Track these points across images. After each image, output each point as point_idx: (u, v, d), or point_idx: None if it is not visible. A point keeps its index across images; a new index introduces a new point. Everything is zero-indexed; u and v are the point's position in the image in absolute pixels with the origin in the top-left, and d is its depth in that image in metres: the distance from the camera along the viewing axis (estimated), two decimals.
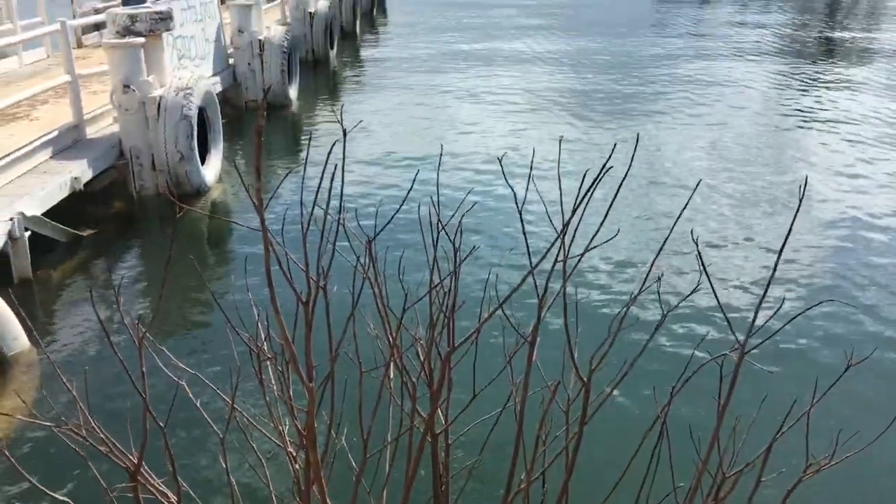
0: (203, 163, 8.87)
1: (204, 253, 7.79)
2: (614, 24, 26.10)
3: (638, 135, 2.84)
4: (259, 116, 1.60)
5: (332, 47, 18.35)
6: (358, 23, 23.26)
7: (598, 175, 1.82)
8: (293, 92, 13.70)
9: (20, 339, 5.23)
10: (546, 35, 22.86)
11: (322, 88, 15.97)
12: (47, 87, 8.15)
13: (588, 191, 1.88)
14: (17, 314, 5.27)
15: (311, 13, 17.30)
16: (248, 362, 2.36)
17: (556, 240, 2.00)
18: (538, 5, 31.56)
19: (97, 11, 14.45)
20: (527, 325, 2.34)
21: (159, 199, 8.56)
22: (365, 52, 20.54)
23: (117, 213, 8.46)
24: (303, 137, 12.42)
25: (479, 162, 10.04)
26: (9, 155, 7.12)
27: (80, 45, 13.44)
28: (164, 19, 8.58)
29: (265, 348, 2.35)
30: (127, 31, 8.29)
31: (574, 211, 1.95)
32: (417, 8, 31.32)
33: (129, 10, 8.61)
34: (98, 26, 13.83)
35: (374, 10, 28.08)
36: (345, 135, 2.13)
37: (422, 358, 2.24)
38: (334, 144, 1.90)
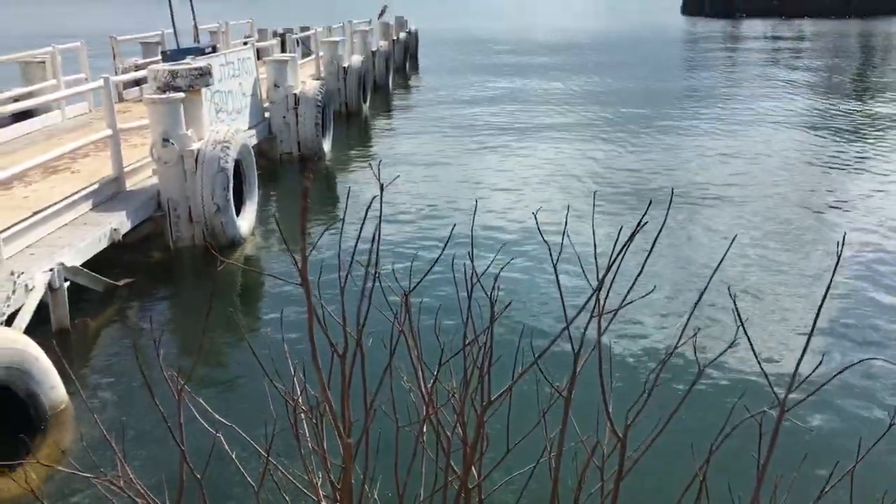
0: (238, 214, 9.01)
1: (238, 304, 7.87)
2: (642, 66, 26.34)
3: (672, 190, 2.85)
4: (305, 178, 1.63)
5: (364, 101, 18.69)
6: (391, 77, 23.68)
7: (634, 231, 1.83)
8: (326, 144, 13.93)
9: (58, 389, 5.29)
10: (577, 81, 23.09)
11: (355, 141, 16.22)
12: (90, 140, 8.38)
13: (623, 248, 1.89)
14: (56, 364, 5.34)
15: (344, 68, 17.67)
16: (283, 415, 2.37)
17: (590, 297, 2.00)
18: (567, 50, 31.95)
19: (138, 67, 14.92)
20: (561, 379, 2.33)
21: (195, 251, 8.69)
22: (397, 106, 20.88)
23: (154, 264, 8.60)
24: (337, 188, 12.58)
25: (513, 216, 10.06)
26: (51, 206, 7.29)
27: (121, 99, 13.84)
28: (204, 75, 8.82)
29: (300, 401, 2.37)
30: (168, 87, 8.52)
31: (609, 268, 1.95)
32: (449, 62, 31.86)
33: (170, 66, 8.87)
34: (138, 81, 14.24)
35: (407, 65, 28.58)
36: (382, 189, 2.17)
37: (456, 413, 2.23)
38: (373, 200, 1.93)
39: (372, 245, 1.99)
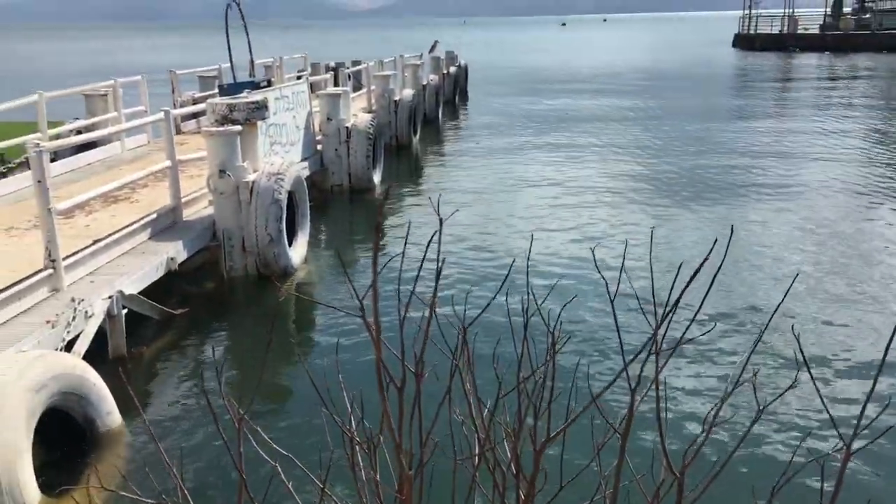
0: (290, 245, 9.14)
1: (292, 333, 7.95)
2: (696, 106, 26.17)
3: (732, 227, 2.80)
4: (378, 213, 1.66)
5: (415, 134, 18.89)
6: (441, 110, 23.91)
7: (695, 271, 1.82)
8: (377, 177, 14.09)
9: (114, 415, 5.40)
10: (629, 119, 23.04)
11: (405, 173, 16.38)
12: (151, 171, 8.60)
13: (683, 287, 1.88)
14: (112, 390, 5.46)
15: (396, 101, 17.91)
16: (339, 445, 2.38)
17: (649, 339, 1.99)
18: (619, 90, 31.94)
19: (195, 100, 15.32)
20: (616, 414, 2.31)
21: (248, 280, 8.83)
22: (447, 139, 21.05)
23: (207, 292, 8.75)
24: (386, 220, 12.69)
25: (569, 249, 10.00)
26: (111, 235, 7.50)
27: (178, 131, 14.19)
28: (260, 108, 9.02)
29: (355, 432, 2.38)
30: (225, 120, 8.74)
31: (666, 315, 1.94)
32: (498, 96, 32.07)
33: (227, 100, 9.10)
34: (195, 114, 14.63)
35: (457, 98, 28.85)
36: (441, 223, 2.19)
37: (512, 449, 2.23)
38: (434, 236, 1.96)
39: (437, 279, 2.01)
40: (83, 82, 14.04)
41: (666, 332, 2.08)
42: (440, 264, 2.04)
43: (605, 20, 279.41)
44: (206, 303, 8.45)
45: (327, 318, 8.02)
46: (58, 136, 11.61)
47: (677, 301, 1.97)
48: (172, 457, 2.33)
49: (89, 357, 5.80)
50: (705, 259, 1.86)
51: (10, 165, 10.27)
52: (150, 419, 5.73)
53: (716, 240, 1.89)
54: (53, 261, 6.31)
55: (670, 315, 2.00)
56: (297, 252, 9.40)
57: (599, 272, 2.14)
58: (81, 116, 13.29)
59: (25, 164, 10.68)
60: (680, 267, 1.98)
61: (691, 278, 1.81)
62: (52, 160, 9.09)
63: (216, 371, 5.88)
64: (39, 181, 6.21)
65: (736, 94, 32.66)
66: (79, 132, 12.19)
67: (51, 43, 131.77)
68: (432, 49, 28.46)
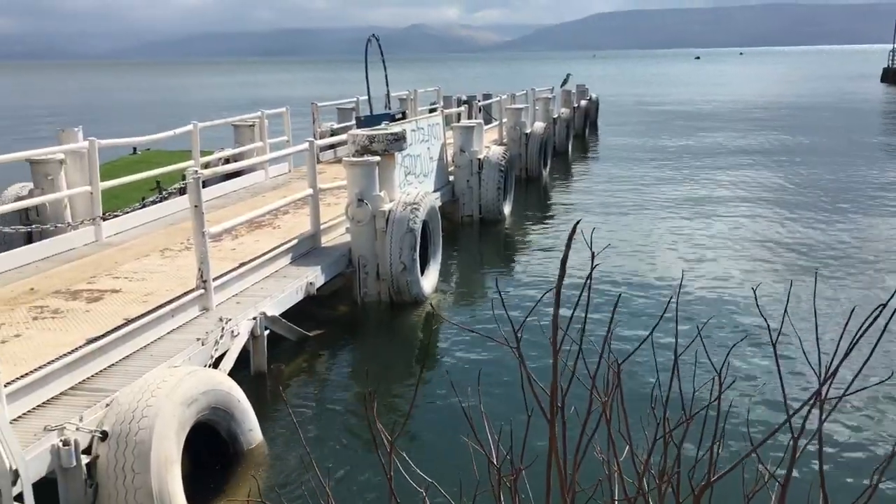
0: (422, 273, 9.30)
1: (423, 359, 8.06)
2: (842, 135, 24.94)
3: None
4: (560, 271, 1.68)
5: (545, 166, 18.89)
6: (571, 143, 23.83)
7: (870, 320, 1.73)
8: (507, 208, 14.17)
9: (255, 431, 5.62)
10: (773, 156, 22.21)
11: (534, 205, 16.37)
12: (295, 199, 8.97)
13: (855, 338, 1.79)
14: (254, 406, 5.69)
15: (526, 134, 17.99)
16: (484, 474, 2.39)
17: (814, 393, 1.90)
18: (756, 126, 30.89)
19: (333, 132, 15.92)
20: (775, 462, 2.22)
21: (380, 306, 9.04)
22: (576, 172, 20.92)
23: (341, 317, 9.01)
24: (516, 251, 12.70)
25: (721, 288, 9.69)
26: (255, 259, 7.86)
27: (317, 161, 14.75)
28: (398, 140, 9.28)
29: (501, 464, 2.39)
30: (365, 151, 9.03)
31: (833, 370, 1.85)
32: (629, 128, 31.66)
33: (368, 131, 9.40)
34: (333, 144, 15.20)
35: (587, 132, 28.69)
36: (593, 257, 2.18)
37: (663, 491, 2.17)
38: (592, 271, 1.95)
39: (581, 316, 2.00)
40: (229, 113, 14.87)
41: (831, 383, 1.99)
42: (589, 299, 2.03)
43: (741, 53, 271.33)
44: (340, 327, 8.69)
45: (463, 346, 8.06)
46: (208, 164, 12.32)
47: (847, 353, 1.88)
48: (311, 476, 2.40)
49: (233, 374, 6.07)
50: (881, 307, 1.77)
51: (170, 191, 10.96)
52: (289, 438, 5.92)
53: (895, 293, 1.79)
54: (205, 281, 6.67)
55: (837, 368, 1.92)
56: (429, 281, 9.55)
57: (762, 314, 2.07)
58: (228, 145, 14.06)
59: (178, 190, 11.39)
60: (852, 313, 1.89)
61: (862, 330, 1.72)
62: (203, 186, 9.64)
63: (367, 397, 6.00)
64: (196, 206, 6.60)
65: (886, 133, 30.93)
66: (227, 161, 12.91)
67: (203, 77, 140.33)
68: (564, 82, 28.46)
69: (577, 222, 1.78)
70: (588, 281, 1.99)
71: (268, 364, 7.10)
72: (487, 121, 20.47)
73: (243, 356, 6.77)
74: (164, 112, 46.77)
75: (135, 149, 20.01)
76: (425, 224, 9.40)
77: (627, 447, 2.25)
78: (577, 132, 26.42)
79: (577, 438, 2.25)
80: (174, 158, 14.14)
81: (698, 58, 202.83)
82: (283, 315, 7.53)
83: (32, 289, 7.21)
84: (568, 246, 1.79)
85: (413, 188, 10.50)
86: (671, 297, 7.91)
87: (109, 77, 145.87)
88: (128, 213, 10.05)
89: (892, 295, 1.73)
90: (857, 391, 2.01)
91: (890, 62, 62.21)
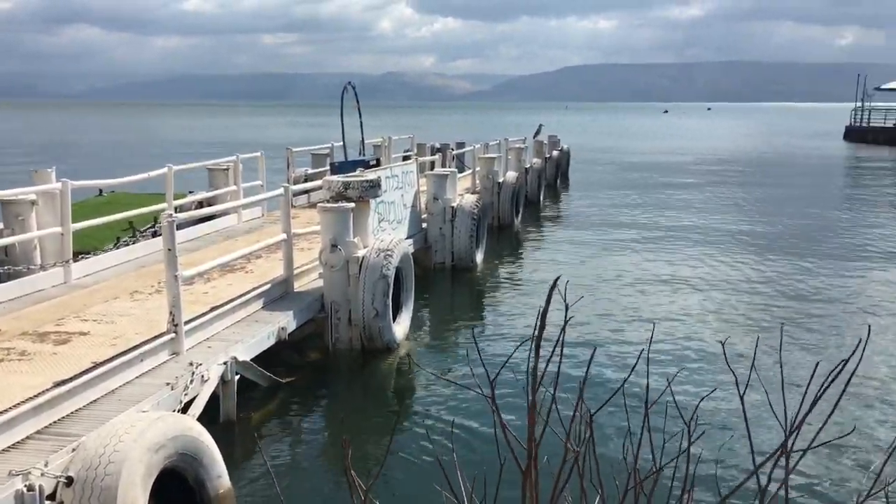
0: (394, 320, 9.31)
1: (396, 406, 8.04)
2: (806, 194, 25.50)
3: (869, 326, 2.72)
4: (539, 324, 1.73)
5: (517, 215, 19.09)
6: (542, 192, 24.12)
7: (837, 373, 1.80)
8: (479, 256, 14.26)
9: (223, 478, 5.54)
10: (736, 209, 22.65)
11: (506, 253, 16.48)
12: (268, 243, 8.97)
13: (819, 391, 1.86)
14: (222, 453, 5.62)
15: (499, 183, 18.20)
16: None
17: (780, 446, 1.95)
18: (722, 179, 31.51)
19: (307, 177, 15.98)
20: None
21: (351, 353, 9.02)
22: (548, 220, 21.16)
23: (312, 363, 8.96)
24: (485, 300, 12.76)
25: (691, 341, 9.79)
26: (227, 303, 7.83)
27: (291, 206, 14.77)
28: (374, 187, 9.36)
29: None
30: (340, 197, 9.09)
31: (798, 423, 1.91)
32: (600, 178, 32.13)
33: (343, 177, 9.48)
34: (306, 190, 15.24)
35: (558, 181, 29.06)
36: (567, 309, 2.24)
37: None
38: (565, 326, 2.00)
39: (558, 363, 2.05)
40: (204, 156, 14.88)
41: (797, 436, 2.05)
42: (562, 350, 2.08)
43: (709, 108, 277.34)
44: (311, 372, 8.65)
45: (435, 393, 8.06)
46: (180, 207, 12.29)
47: (812, 406, 1.94)
48: None
49: (201, 420, 6.00)
50: (844, 362, 1.84)
51: (142, 233, 10.91)
52: (258, 485, 5.85)
53: (859, 340, 1.87)
54: (176, 325, 6.63)
55: (802, 421, 1.98)
56: (401, 327, 9.56)
57: (730, 367, 2.14)
58: (203, 188, 14.05)
59: (149, 233, 11.34)
60: (816, 367, 1.96)
61: (827, 383, 1.79)
62: (177, 229, 9.62)
63: (342, 444, 5.94)
64: (169, 249, 6.59)
65: (852, 188, 31.72)
66: (200, 204, 12.90)
67: (180, 118, 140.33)
68: (537, 133, 28.90)
69: (557, 278, 1.83)
70: (562, 335, 2.04)
71: (238, 409, 7.03)
72: (461, 169, 20.68)
73: (213, 401, 6.71)
74: (138, 153, 46.61)
75: (101, 190, 19.74)
76: (398, 271, 9.44)
77: (599, 497, 2.29)
78: (549, 182, 26.75)
79: (551, 489, 2.29)
80: (142, 201, 14.06)
81: (666, 111, 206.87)
82: (255, 360, 7.48)
83: (0, 330, 7.12)
84: (548, 301, 1.84)
85: (387, 235, 10.55)
86: (642, 349, 8.01)
87: (86, 117, 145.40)
88: (98, 255, 9.99)
89: (853, 352, 1.80)
90: (821, 445, 2.07)
91: (852, 121, 63.94)
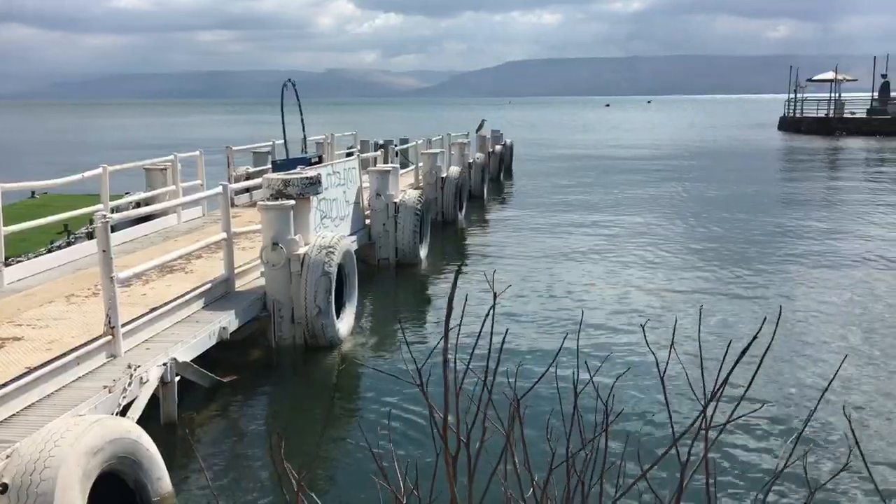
0: (338, 317, 9.29)
1: (342, 402, 8.03)
2: (741, 186, 26.16)
3: (781, 307, 2.84)
4: (452, 287, 1.77)
5: (460, 210, 19.17)
6: (486, 187, 24.26)
7: (744, 349, 1.88)
8: (423, 251, 14.29)
9: (164, 480, 5.48)
10: (675, 198, 23.10)
11: (450, 248, 16.56)
12: (208, 243, 8.87)
13: (732, 366, 1.94)
14: (163, 455, 5.56)
15: (442, 178, 18.26)
16: None
17: (697, 418, 2.04)
18: (662, 169, 32.09)
19: (248, 175, 15.82)
20: (665, 490, 2.34)
21: (295, 350, 8.98)
22: (491, 215, 21.30)
23: (255, 361, 8.90)
24: (430, 294, 12.81)
25: (619, 327, 10.03)
26: (166, 304, 7.72)
27: (232, 204, 14.61)
28: (314, 184, 9.32)
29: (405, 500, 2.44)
30: (280, 194, 9.03)
31: (716, 385, 2.00)
32: (543, 172, 32.44)
33: (283, 175, 9.41)
34: (248, 188, 15.09)
35: (501, 176, 29.25)
36: (495, 297, 2.29)
37: None
38: (490, 311, 2.06)
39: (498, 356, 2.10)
40: (144, 155, 14.63)
41: (715, 409, 2.14)
42: (491, 338, 2.13)
43: (649, 101, 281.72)
44: (254, 371, 8.59)
45: (377, 388, 8.10)
46: (117, 208, 12.06)
47: (726, 379, 2.03)
48: None
49: (141, 422, 5.93)
50: (754, 338, 1.93)
51: (77, 235, 10.67)
52: (199, 486, 5.80)
53: (765, 318, 1.96)
54: (113, 328, 6.52)
55: (719, 392, 2.06)
56: (345, 324, 9.54)
57: (650, 349, 2.21)
58: (140, 189, 13.80)
59: (86, 235, 11.11)
60: (729, 345, 2.05)
61: (739, 357, 1.87)
62: (113, 230, 9.46)
63: (275, 438, 5.94)
64: (104, 251, 6.48)
65: (783, 174, 32.60)
66: (138, 204, 12.67)
67: (114, 118, 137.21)
68: (479, 128, 29.05)
69: (458, 269, 1.89)
70: (488, 317, 2.09)
71: (180, 410, 6.95)
72: (404, 165, 20.71)
73: (154, 403, 6.63)
74: (72, 152, 45.44)
75: (33, 193, 19.22)
76: (341, 267, 9.42)
77: (529, 478, 2.35)
78: (493, 176, 26.93)
79: (485, 471, 2.34)
80: (78, 203, 13.76)
81: (608, 105, 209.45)
82: (196, 361, 7.40)
83: None
84: (453, 287, 1.89)
85: (329, 232, 10.51)
86: (566, 334, 8.20)
87: (19, 118, 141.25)
88: (32, 258, 9.74)
89: (761, 327, 1.89)
90: (738, 418, 2.16)
91: (786, 111, 65.63)
